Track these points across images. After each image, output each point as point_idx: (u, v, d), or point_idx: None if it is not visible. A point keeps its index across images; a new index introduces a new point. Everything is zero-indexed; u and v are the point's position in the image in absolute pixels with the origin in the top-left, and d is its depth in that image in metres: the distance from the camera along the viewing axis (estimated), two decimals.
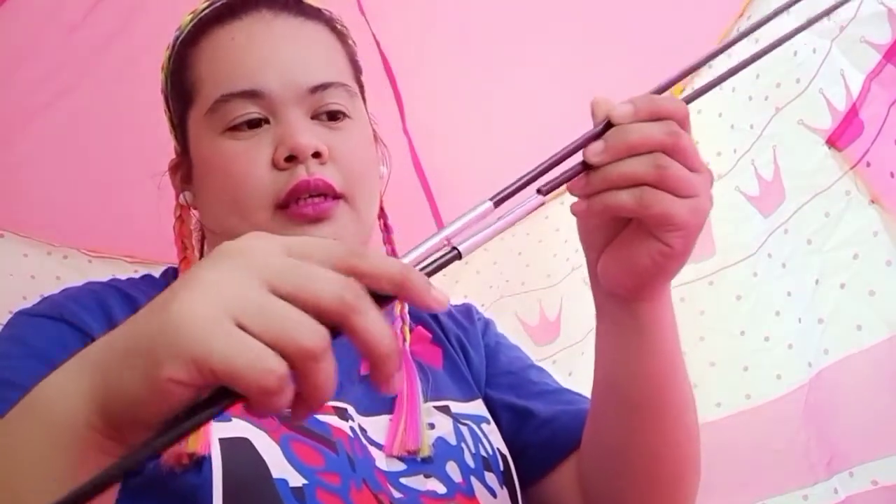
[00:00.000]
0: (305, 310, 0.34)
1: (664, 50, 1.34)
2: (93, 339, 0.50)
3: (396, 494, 0.58)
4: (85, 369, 0.38)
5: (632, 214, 0.48)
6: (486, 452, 0.65)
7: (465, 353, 0.75)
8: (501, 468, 0.65)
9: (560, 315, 1.45)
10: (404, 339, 0.69)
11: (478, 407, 0.70)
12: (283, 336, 0.33)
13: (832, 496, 1.01)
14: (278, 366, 0.32)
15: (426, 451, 0.61)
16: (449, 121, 1.48)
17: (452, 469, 0.61)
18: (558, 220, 1.55)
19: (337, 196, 0.62)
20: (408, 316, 0.71)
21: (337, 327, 0.35)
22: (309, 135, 0.62)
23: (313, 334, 0.33)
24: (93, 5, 1.23)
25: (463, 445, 0.64)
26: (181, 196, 0.69)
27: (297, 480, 0.53)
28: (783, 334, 1.12)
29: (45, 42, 1.22)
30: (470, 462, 0.63)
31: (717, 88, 1.39)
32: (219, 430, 0.53)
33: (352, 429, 0.60)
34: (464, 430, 0.65)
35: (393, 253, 0.73)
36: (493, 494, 0.62)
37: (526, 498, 0.68)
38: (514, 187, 0.45)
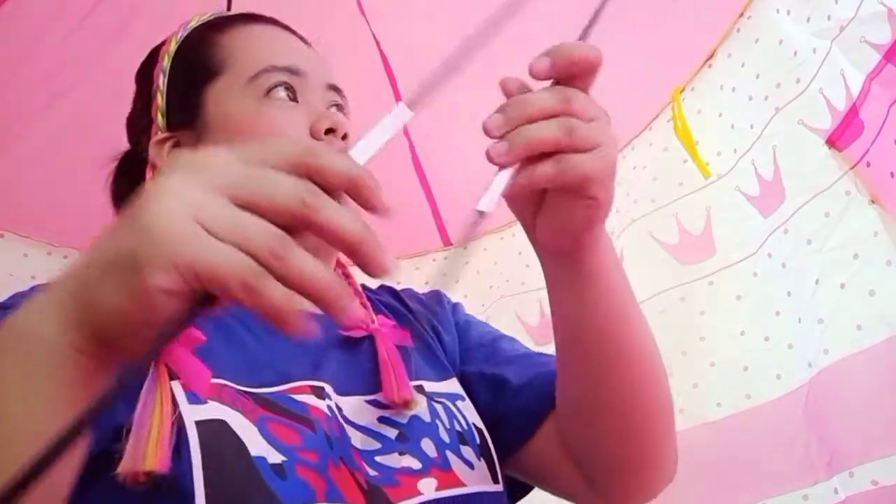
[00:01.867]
0: (264, 215, 0.35)
1: (664, 51, 1.34)
2: None
3: (372, 472, 0.59)
4: (64, 291, 0.38)
5: (553, 184, 0.50)
6: (462, 427, 0.67)
7: (437, 334, 0.77)
8: (478, 441, 0.66)
9: None
10: (372, 321, 0.70)
11: (451, 385, 0.71)
12: (245, 242, 0.34)
13: (832, 496, 1.01)
14: (252, 261, 0.34)
15: (416, 405, 0.63)
16: (449, 121, 1.48)
17: (427, 445, 0.63)
18: None
19: None
20: (368, 303, 0.73)
21: (301, 228, 0.35)
22: (342, 116, 0.70)
23: (270, 237, 0.34)
24: (93, 5, 1.23)
25: (437, 422, 0.65)
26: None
27: (276, 458, 0.54)
28: (783, 334, 1.13)
29: (45, 42, 1.22)
30: (445, 437, 0.64)
31: (718, 88, 1.40)
32: (194, 413, 0.53)
33: (329, 407, 0.61)
34: (438, 407, 0.67)
35: (339, 265, 0.77)
36: (471, 466, 0.63)
37: (514, 465, 0.70)
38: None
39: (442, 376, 0.71)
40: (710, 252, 1.26)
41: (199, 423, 0.53)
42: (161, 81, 0.73)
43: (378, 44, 1.40)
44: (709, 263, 1.25)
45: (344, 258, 0.78)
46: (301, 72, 0.70)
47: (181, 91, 0.72)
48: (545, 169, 0.48)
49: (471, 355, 0.76)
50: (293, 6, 1.36)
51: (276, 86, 0.69)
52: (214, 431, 0.53)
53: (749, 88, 1.22)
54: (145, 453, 0.49)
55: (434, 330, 0.77)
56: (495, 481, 0.65)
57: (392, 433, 0.63)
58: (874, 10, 0.98)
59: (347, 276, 0.76)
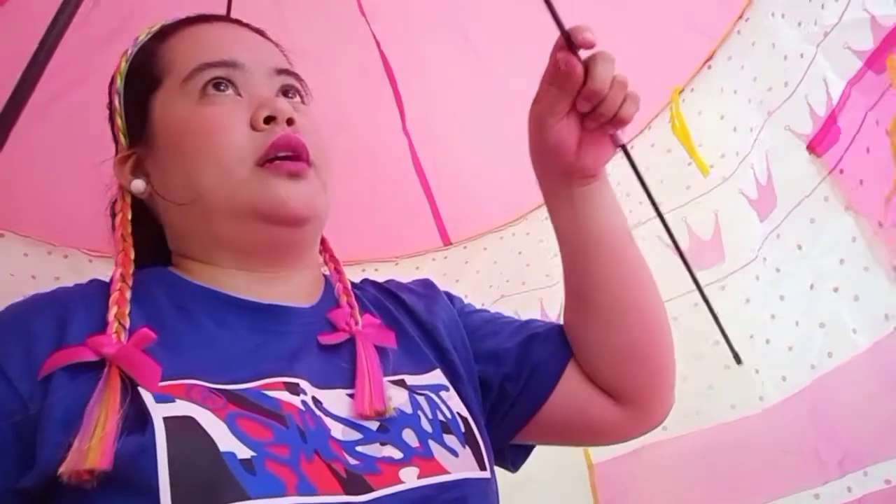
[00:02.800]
0: None
1: (664, 52, 1.34)
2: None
3: (352, 461, 0.59)
4: None
5: (625, 120, 0.68)
6: (445, 417, 0.68)
7: (433, 321, 0.78)
8: (462, 430, 0.68)
9: (560, 314, 1.45)
10: (356, 323, 0.71)
11: (434, 377, 0.72)
12: None
13: (845, 495, 1.01)
14: None
15: (391, 412, 0.64)
16: (449, 121, 1.48)
17: (409, 435, 0.64)
18: None
19: (309, 162, 0.67)
20: (356, 303, 0.74)
21: None
22: (283, 103, 0.68)
23: None
24: (93, 5, 1.23)
25: (419, 413, 0.66)
26: (133, 184, 0.70)
27: (245, 453, 0.54)
28: (781, 337, 1.13)
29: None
30: (427, 427, 0.65)
31: (719, 90, 1.40)
32: (162, 410, 0.54)
33: (303, 402, 0.61)
34: (420, 399, 0.68)
35: (332, 259, 0.79)
36: (455, 454, 0.65)
37: (549, 415, 0.77)
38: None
39: (425, 369, 0.72)
40: (721, 257, 1.26)
41: (166, 420, 0.53)
42: (118, 102, 0.73)
43: (378, 44, 1.40)
44: (720, 268, 1.26)
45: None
46: (237, 63, 0.69)
47: (133, 107, 0.72)
48: (631, 109, 0.67)
49: (482, 333, 0.81)
50: (294, 7, 1.37)
51: (209, 82, 0.68)
52: (182, 428, 0.53)
53: (748, 91, 1.22)
54: (88, 451, 0.51)
55: (430, 316, 0.78)
56: (482, 468, 0.66)
57: (373, 425, 0.63)
58: (858, 17, 0.98)
59: (339, 273, 0.77)
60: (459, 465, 0.64)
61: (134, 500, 0.51)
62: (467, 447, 0.66)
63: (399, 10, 1.38)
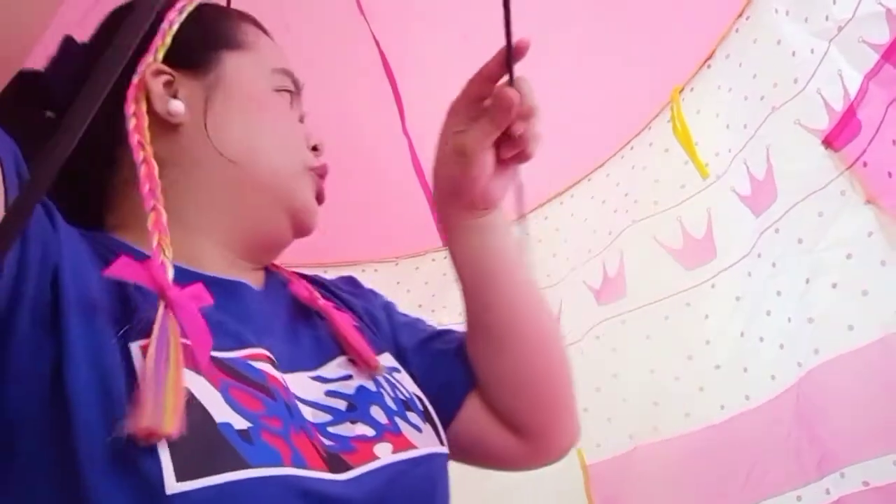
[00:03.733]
0: None
1: (664, 51, 1.34)
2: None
3: (328, 443, 0.59)
4: None
5: (532, 151, 0.70)
6: (404, 396, 0.70)
7: (369, 313, 0.80)
8: (421, 408, 0.71)
9: (560, 315, 1.46)
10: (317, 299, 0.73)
11: (386, 359, 0.74)
12: None
13: (824, 497, 1.01)
14: None
15: (382, 371, 0.69)
16: None
17: (377, 412, 0.65)
18: (558, 220, 1.56)
19: None
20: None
21: None
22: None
23: None
24: (92, 5, 1.23)
25: (382, 391, 0.68)
26: (172, 103, 0.66)
27: (241, 424, 0.53)
28: (775, 334, 1.13)
29: (44, 42, 1.22)
30: (392, 405, 0.67)
31: (716, 88, 1.40)
32: None
33: (283, 378, 0.61)
34: (380, 378, 0.70)
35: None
36: (419, 430, 0.67)
37: (451, 441, 0.74)
38: None
39: (378, 351, 0.73)
40: (712, 254, 1.26)
41: None
42: (175, 21, 0.70)
43: (378, 44, 1.40)
44: (711, 266, 1.26)
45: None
46: (299, 86, 0.76)
47: (196, 43, 0.70)
48: (535, 141, 0.69)
49: (400, 332, 0.81)
50: (294, 7, 1.37)
51: (284, 88, 0.73)
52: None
53: (745, 88, 1.22)
54: (164, 412, 0.47)
55: (365, 310, 0.80)
56: (441, 444, 0.69)
57: (342, 405, 0.64)
58: (872, 11, 0.98)
59: (277, 266, 0.77)
60: (425, 441, 0.66)
61: (134, 468, 0.48)
62: (427, 424, 0.69)
63: (399, 11, 1.38)
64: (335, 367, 0.68)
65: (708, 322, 1.25)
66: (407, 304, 1.79)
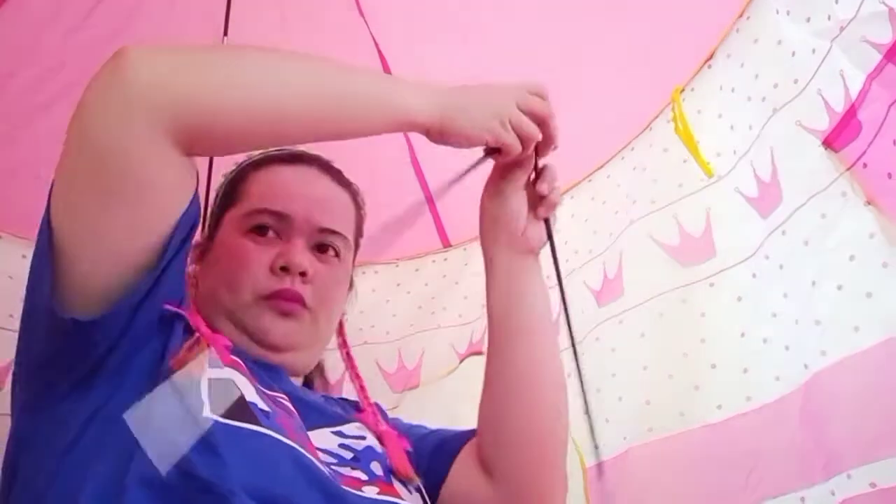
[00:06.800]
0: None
1: (663, 51, 1.34)
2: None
3: (326, 470, 0.70)
4: (438, 103, 0.74)
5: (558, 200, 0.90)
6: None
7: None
8: (415, 486, 0.80)
9: (559, 315, 1.45)
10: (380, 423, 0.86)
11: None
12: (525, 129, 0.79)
13: (829, 498, 1.00)
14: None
15: (416, 480, 0.79)
16: None
17: (375, 467, 0.76)
18: (558, 221, 1.55)
19: (305, 307, 0.83)
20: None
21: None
22: (303, 258, 0.83)
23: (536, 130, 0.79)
24: (93, 6, 1.23)
25: (386, 454, 0.80)
26: (190, 267, 0.84)
27: (265, 406, 0.69)
28: (781, 336, 1.12)
29: (45, 42, 1.22)
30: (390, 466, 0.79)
31: (718, 88, 1.40)
32: (211, 374, 0.68)
33: (300, 423, 0.75)
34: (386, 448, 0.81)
35: (348, 357, 0.96)
36: (409, 492, 0.77)
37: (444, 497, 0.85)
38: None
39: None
40: (711, 254, 1.25)
41: (211, 381, 0.67)
42: (215, 197, 0.91)
43: (377, 44, 1.40)
44: (709, 265, 1.25)
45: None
46: (287, 217, 0.84)
47: (219, 209, 0.89)
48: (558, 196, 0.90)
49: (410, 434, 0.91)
50: (294, 7, 1.37)
51: (258, 225, 0.84)
52: (222, 383, 0.67)
53: (748, 89, 1.22)
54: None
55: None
56: None
57: (348, 455, 0.76)
58: (875, 10, 0.98)
59: (350, 358, 0.95)
60: (412, 500, 0.76)
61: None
62: (417, 494, 0.79)
63: (399, 11, 1.38)
64: (354, 428, 0.81)
65: (704, 320, 1.24)
66: (407, 305, 1.79)
